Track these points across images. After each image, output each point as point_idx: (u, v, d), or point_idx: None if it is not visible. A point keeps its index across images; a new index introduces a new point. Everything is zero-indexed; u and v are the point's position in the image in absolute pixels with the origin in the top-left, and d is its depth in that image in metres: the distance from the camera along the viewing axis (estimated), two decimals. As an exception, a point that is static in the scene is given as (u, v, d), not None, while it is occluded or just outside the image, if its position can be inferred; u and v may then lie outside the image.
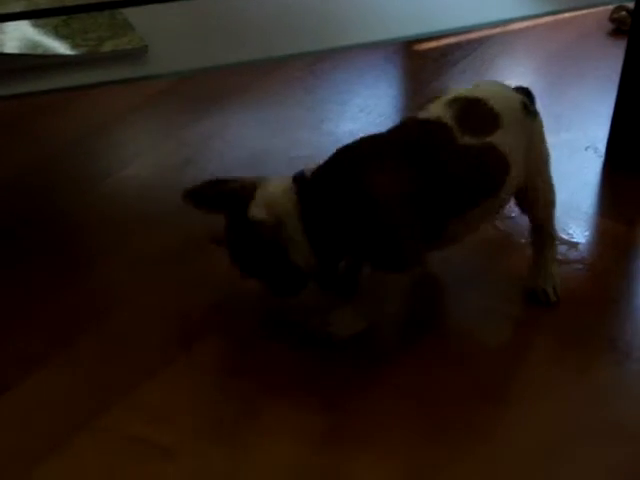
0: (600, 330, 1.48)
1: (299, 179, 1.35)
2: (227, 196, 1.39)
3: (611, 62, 1.77)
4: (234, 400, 1.33)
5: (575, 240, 1.62)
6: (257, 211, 1.34)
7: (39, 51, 1.45)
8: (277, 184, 1.36)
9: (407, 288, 1.38)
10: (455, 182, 1.32)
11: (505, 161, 1.36)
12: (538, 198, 1.46)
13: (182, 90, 1.90)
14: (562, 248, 1.60)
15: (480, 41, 2.04)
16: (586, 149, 1.80)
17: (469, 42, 2.05)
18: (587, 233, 1.64)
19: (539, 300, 1.49)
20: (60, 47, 1.47)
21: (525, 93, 1.44)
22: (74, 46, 1.48)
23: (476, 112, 1.36)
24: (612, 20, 2.13)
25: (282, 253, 1.34)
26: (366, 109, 1.89)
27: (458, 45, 2.05)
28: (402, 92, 1.97)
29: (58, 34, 1.50)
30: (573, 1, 1.74)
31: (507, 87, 1.45)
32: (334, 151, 1.36)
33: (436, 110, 1.36)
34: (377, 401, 1.34)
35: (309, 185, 1.34)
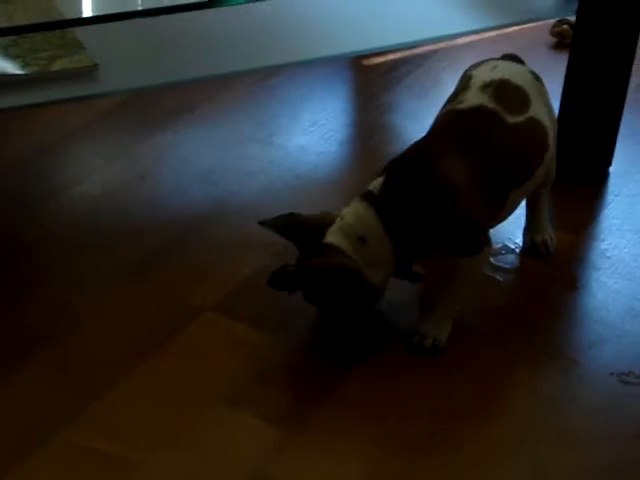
0: (547, 338, 1.51)
1: (371, 197, 1.39)
2: (303, 227, 1.42)
3: (553, 75, 1.80)
4: (191, 409, 1.35)
5: (521, 248, 1.65)
6: (333, 237, 1.38)
7: (-11, 71, 1.46)
8: (350, 210, 1.40)
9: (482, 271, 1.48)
10: (513, 158, 1.44)
11: (545, 130, 1.49)
12: (554, 160, 1.58)
13: (134, 107, 1.90)
14: (508, 257, 1.63)
15: (426, 56, 2.07)
16: (532, 160, 1.83)
17: (416, 56, 2.08)
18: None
19: (539, 254, 1.61)
20: (10, 67, 1.48)
21: (516, 59, 1.56)
22: (24, 65, 1.49)
23: (508, 92, 1.47)
24: (554, 34, 2.17)
25: (358, 276, 1.38)
26: (317, 123, 1.91)
27: (405, 60, 2.08)
28: (351, 106, 2.00)
29: (8, 54, 1.51)
30: (516, 15, 1.78)
31: (511, 62, 1.54)
32: (388, 163, 1.42)
33: (474, 98, 1.45)
34: (337, 410, 1.36)
35: (384, 200, 1.38)
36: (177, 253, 1.60)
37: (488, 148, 1.42)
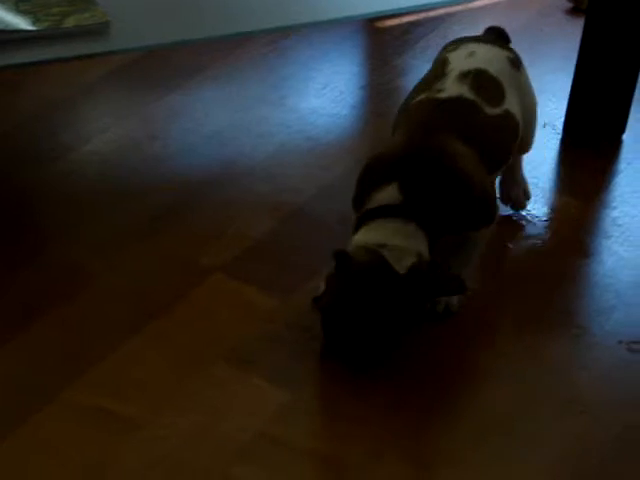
0: (557, 305, 1.51)
1: (398, 210, 1.34)
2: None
3: (569, 40, 1.79)
4: (198, 370, 1.35)
5: (533, 216, 1.65)
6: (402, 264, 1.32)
7: (0, 27, 1.45)
8: (390, 233, 1.33)
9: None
10: (495, 145, 1.46)
11: (517, 121, 1.50)
12: (528, 143, 1.60)
13: (146, 66, 1.89)
14: (518, 225, 1.63)
15: (441, 19, 2.05)
16: (544, 126, 1.82)
17: (430, 20, 2.06)
18: (545, 209, 1.67)
19: (518, 207, 1.64)
20: (21, 23, 1.47)
21: (499, 34, 1.56)
22: (36, 21, 1.47)
23: (484, 84, 1.47)
24: (570, -1, 2.14)
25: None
26: (329, 85, 1.90)
27: (419, 23, 2.06)
28: (364, 69, 1.99)
29: (19, 10, 1.50)
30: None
31: (492, 45, 1.53)
32: (394, 164, 1.37)
33: (453, 89, 1.44)
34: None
35: (409, 206, 1.34)
36: (186, 214, 1.60)
37: (476, 136, 1.42)
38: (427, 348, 1.41)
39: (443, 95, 1.44)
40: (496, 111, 1.45)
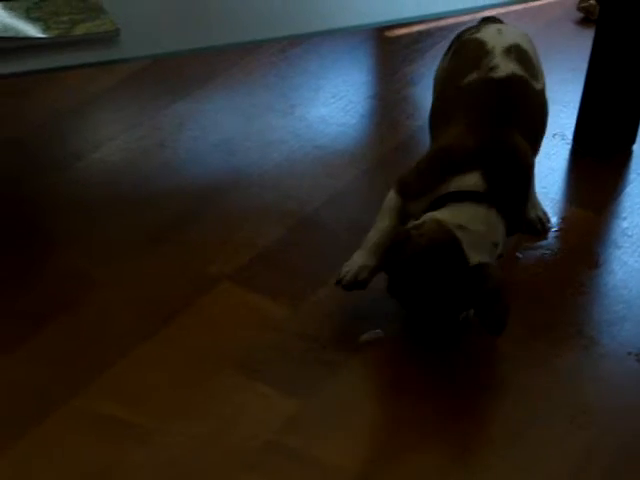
0: (567, 316, 1.50)
1: (483, 197, 1.36)
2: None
3: (579, 51, 1.79)
4: (206, 378, 1.35)
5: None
6: (477, 256, 1.33)
7: (10, 34, 1.45)
8: (472, 217, 1.35)
9: None
10: (539, 124, 1.49)
11: (546, 95, 1.53)
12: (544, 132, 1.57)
13: (155, 74, 1.90)
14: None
15: (450, 28, 2.04)
16: (554, 136, 1.82)
17: (440, 29, 2.06)
18: (555, 219, 1.66)
19: (536, 231, 1.60)
20: (31, 30, 1.47)
21: (499, 21, 1.58)
22: (46, 29, 1.47)
23: (524, 58, 1.48)
24: (580, 9, 2.14)
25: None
26: (338, 95, 1.90)
27: (429, 32, 2.06)
28: (373, 78, 1.98)
29: (30, 17, 1.50)
30: (543, -11, 1.75)
31: (506, 24, 1.57)
32: (475, 153, 1.38)
33: (506, 66, 1.45)
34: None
35: (492, 193, 1.36)
36: (195, 222, 1.60)
37: (530, 118, 1.45)
38: (439, 356, 1.40)
39: (498, 74, 1.44)
40: (539, 86, 1.49)
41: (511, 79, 1.44)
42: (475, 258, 1.33)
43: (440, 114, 1.49)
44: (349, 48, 2.02)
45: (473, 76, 1.46)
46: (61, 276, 1.48)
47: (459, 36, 1.56)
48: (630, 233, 1.65)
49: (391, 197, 1.42)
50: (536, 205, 1.62)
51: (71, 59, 1.46)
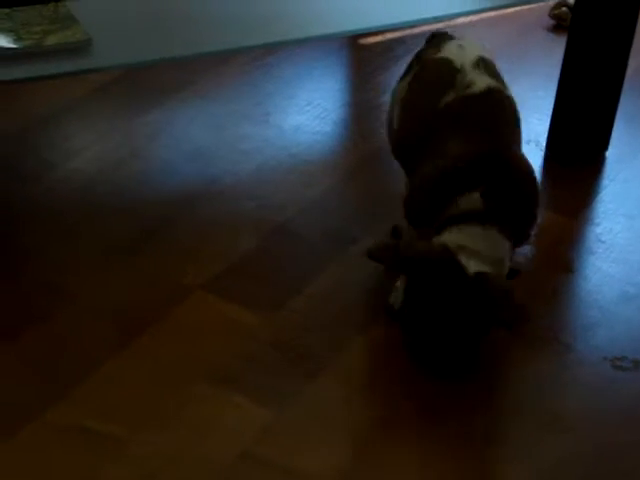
0: (542, 321, 1.50)
1: (483, 216, 1.36)
2: (415, 260, 1.34)
3: (551, 58, 1.79)
4: (179, 388, 1.34)
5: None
6: (479, 268, 1.33)
7: (-19, 44, 1.44)
8: (473, 237, 1.35)
9: None
10: (519, 124, 1.49)
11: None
12: None
13: (127, 83, 1.89)
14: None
15: (424, 36, 2.04)
16: (528, 143, 1.82)
17: (413, 37, 2.07)
18: (529, 226, 1.66)
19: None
20: (2, 40, 1.46)
21: (450, 37, 1.57)
22: (17, 39, 1.47)
23: (491, 69, 1.49)
24: (552, 16, 2.15)
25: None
26: (312, 103, 1.90)
27: (402, 40, 2.06)
28: (348, 86, 1.99)
29: (1, 28, 1.49)
30: (514, -3, 1.76)
31: (458, 40, 1.55)
32: (478, 171, 1.38)
33: (480, 79, 1.45)
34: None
35: (492, 211, 1.36)
36: (168, 231, 1.59)
37: (512, 125, 1.45)
38: (405, 362, 1.40)
39: (475, 89, 1.44)
40: (510, 92, 1.49)
41: (490, 92, 1.45)
42: (473, 268, 1.33)
43: (415, 139, 1.45)
44: (323, 56, 2.02)
45: (451, 96, 1.44)
46: (33, 287, 1.47)
47: (418, 57, 1.54)
48: (604, 239, 1.65)
49: (407, 229, 1.47)
50: None
51: (43, 69, 1.46)
